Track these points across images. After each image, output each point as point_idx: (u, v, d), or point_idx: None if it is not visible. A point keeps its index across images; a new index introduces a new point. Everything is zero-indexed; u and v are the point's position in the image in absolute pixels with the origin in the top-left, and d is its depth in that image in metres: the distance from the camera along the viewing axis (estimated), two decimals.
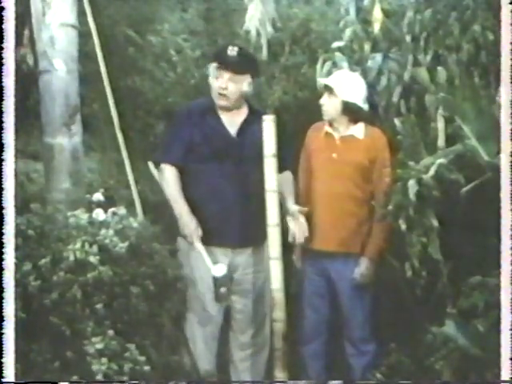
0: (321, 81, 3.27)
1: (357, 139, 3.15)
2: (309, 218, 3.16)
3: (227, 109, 3.10)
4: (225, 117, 3.12)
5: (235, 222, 3.04)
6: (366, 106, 3.18)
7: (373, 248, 3.13)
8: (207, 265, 2.97)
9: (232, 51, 3.05)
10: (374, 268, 3.14)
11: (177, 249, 3.18)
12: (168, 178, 3.08)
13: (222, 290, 2.95)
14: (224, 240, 3.05)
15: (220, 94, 3.07)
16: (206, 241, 3.03)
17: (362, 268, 3.13)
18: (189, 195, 3.06)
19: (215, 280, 2.95)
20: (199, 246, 3.00)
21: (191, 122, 3.10)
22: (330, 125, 3.19)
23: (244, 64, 3.08)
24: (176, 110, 3.35)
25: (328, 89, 3.15)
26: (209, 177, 3.05)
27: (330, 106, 3.15)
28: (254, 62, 3.19)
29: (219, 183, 3.04)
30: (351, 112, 3.14)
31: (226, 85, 3.05)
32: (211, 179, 3.05)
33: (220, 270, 2.95)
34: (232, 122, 3.12)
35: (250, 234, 3.09)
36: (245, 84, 3.08)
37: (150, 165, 3.46)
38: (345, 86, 3.13)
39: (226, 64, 3.04)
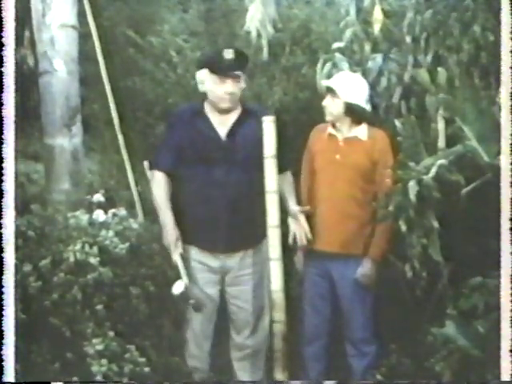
0: (323, 83, 3.26)
1: (360, 140, 3.15)
2: (311, 218, 3.16)
3: (227, 111, 3.03)
4: (215, 118, 3.04)
5: (223, 227, 2.97)
6: (368, 107, 3.17)
7: (376, 249, 3.12)
8: (182, 276, 2.92)
9: (229, 54, 2.95)
10: (377, 269, 3.14)
11: None
12: (157, 185, 3.01)
13: (191, 302, 2.92)
14: (212, 245, 3.00)
15: (224, 99, 2.99)
16: (196, 244, 3.01)
17: (364, 268, 3.12)
18: (178, 200, 3.00)
19: (176, 297, 2.91)
20: (178, 258, 2.93)
21: (180, 126, 3.02)
22: (333, 126, 3.18)
23: (241, 64, 3.01)
24: (168, 114, 3.25)
25: (330, 90, 3.15)
26: (196, 181, 2.98)
27: (332, 107, 3.14)
28: (247, 58, 3.09)
29: (206, 187, 2.96)
30: (354, 113, 3.13)
31: (232, 89, 2.97)
32: (199, 183, 2.97)
33: (178, 288, 2.90)
34: (222, 122, 3.03)
35: (239, 239, 3.03)
36: (242, 82, 3.03)
37: (146, 165, 3.43)
38: (347, 87, 3.12)
39: (225, 69, 2.95)
